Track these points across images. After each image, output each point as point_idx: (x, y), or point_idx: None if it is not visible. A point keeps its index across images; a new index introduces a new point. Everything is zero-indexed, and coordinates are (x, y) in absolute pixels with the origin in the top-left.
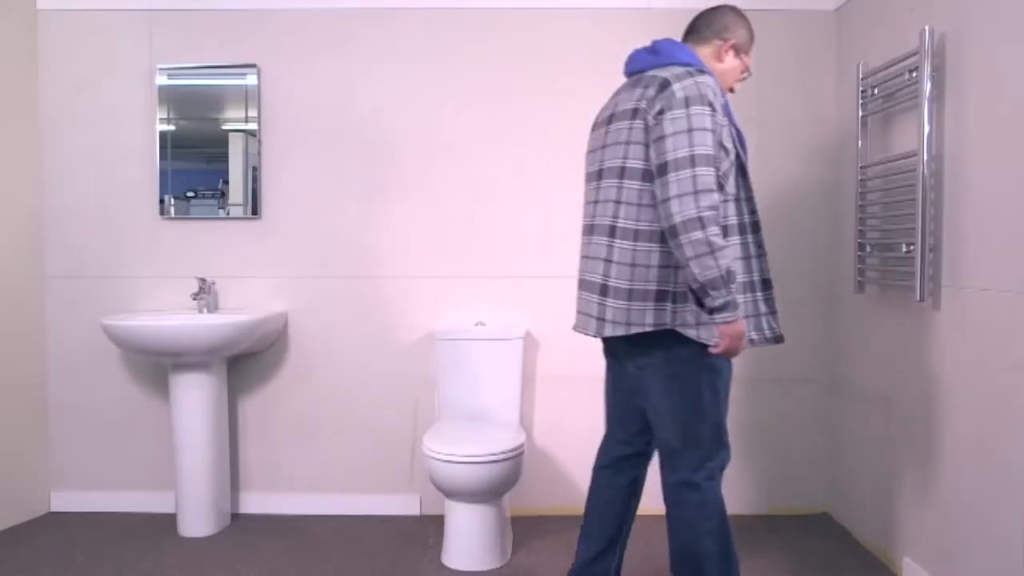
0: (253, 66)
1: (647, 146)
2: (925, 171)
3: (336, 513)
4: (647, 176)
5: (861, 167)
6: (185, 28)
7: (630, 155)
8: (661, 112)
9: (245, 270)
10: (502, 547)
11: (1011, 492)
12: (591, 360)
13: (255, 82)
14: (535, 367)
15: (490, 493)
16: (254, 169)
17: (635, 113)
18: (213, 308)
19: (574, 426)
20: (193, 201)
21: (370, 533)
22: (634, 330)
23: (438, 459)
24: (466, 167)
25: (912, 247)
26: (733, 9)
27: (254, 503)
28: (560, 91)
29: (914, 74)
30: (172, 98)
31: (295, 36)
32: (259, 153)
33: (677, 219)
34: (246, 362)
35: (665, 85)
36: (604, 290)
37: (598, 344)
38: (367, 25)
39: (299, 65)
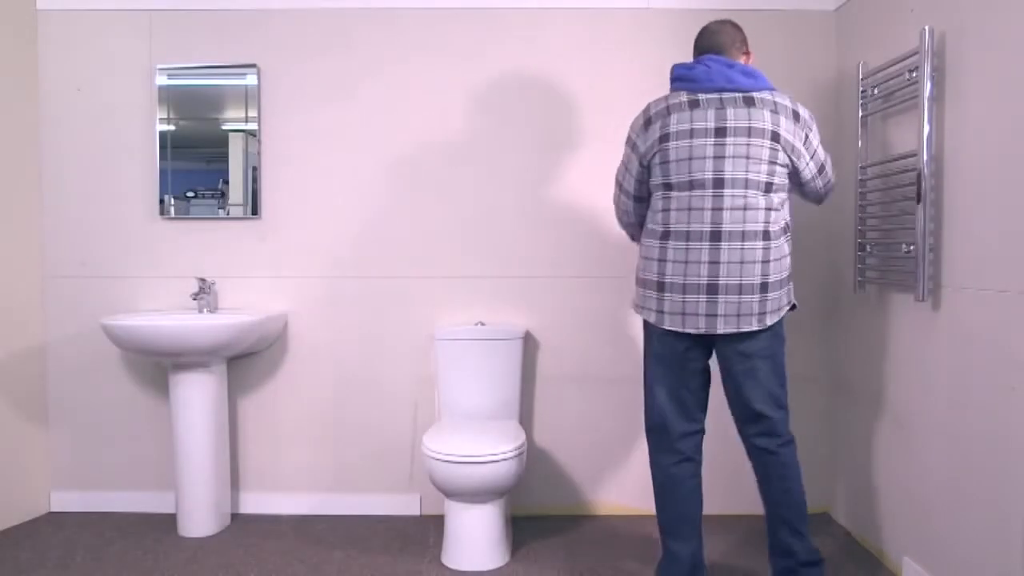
0: (253, 66)
1: (783, 166)
2: (925, 171)
3: (336, 513)
4: (781, 189)
5: (861, 167)
6: (185, 28)
7: (776, 175)
8: (808, 135)
9: (245, 270)
10: (502, 547)
11: (1011, 492)
12: (591, 360)
13: (255, 82)
14: (535, 367)
15: (490, 493)
16: (254, 169)
17: (776, 137)
18: (213, 308)
19: (574, 426)
20: (193, 201)
21: (370, 533)
22: (780, 314)
23: (438, 459)
24: (466, 167)
25: (912, 247)
26: (733, 22)
27: (254, 503)
28: (561, 91)
29: (914, 74)
30: (172, 98)
31: (295, 36)
32: (259, 153)
33: (831, 185)
34: (246, 362)
35: (797, 115)
36: (765, 287)
37: (598, 344)
38: (367, 25)
39: (299, 65)
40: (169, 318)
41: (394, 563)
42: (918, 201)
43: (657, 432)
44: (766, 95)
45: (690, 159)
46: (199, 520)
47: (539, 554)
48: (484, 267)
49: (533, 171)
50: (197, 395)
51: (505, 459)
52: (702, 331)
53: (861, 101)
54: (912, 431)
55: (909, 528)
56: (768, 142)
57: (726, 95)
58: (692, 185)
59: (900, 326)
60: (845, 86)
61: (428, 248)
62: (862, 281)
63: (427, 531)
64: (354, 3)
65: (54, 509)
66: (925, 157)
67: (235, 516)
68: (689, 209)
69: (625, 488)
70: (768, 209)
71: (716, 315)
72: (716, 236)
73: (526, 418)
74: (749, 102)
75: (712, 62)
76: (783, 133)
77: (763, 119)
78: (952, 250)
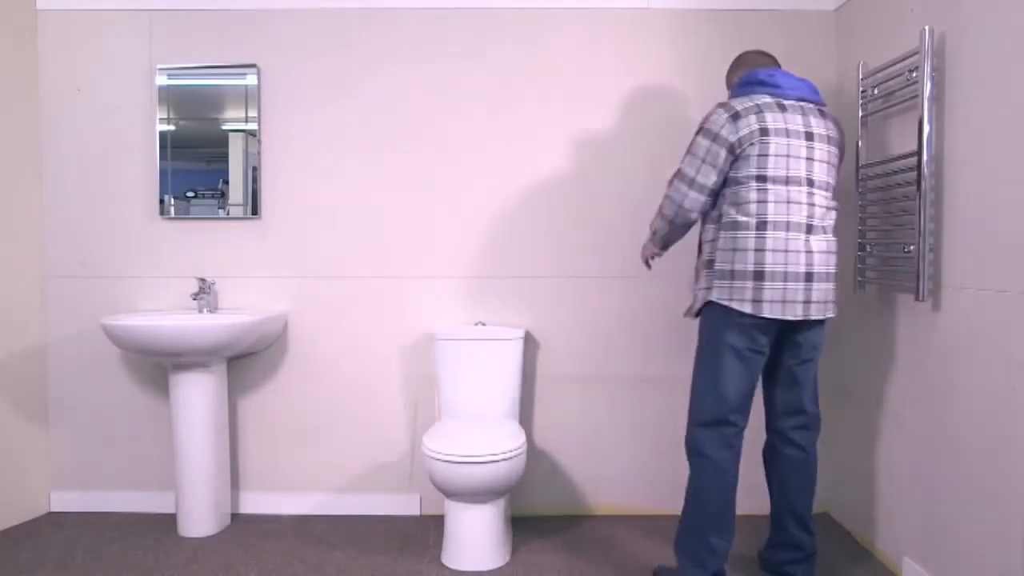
0: (253, 66)
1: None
2: (925, 171)
3: (336, 513)
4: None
5: (861, 167)
6: (185, 28)
7: (836, 177)
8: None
9: (245, 270)
10: (502, 547)
11: (1011, 492)
12: (591, 360)
13: (255, 82)
14: (535, 367)
15: (490, 493)
16: (254, 169)
17: (840, 147)
18: (213, 308)
19: (574, 426)
20: (193, 201)
21: (370, 533)
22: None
23: (438, 459)
24: (466, 167)
25: (912, 247)
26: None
27: (254, 503)
28: (561, 91)
29: (914, 74)
30: (172, 98)
31: (295, 36)
32: (259, 153)
33: None
34: (246, 362)
35: (840, 125)
36: (835, 277)
37: (598, 344)
38: (367, 25)
39: (299, 65)
40: (169, 318)
41: (394, 563)
42: (918, 201)
43: (717, 426)
44: (827, 109)
45: (788, 156)
46: (199, 520)
47: (539, 554)
48: (484, 267)
49: (533, 171)
50: (197, 395)
51: (505, 459)
52: (799, 317)
53: (861, 101)
54: (912, 431)
55: (909, 528)
56: (836, 151)
57: (805, 104)
58: (789, 181)
59: (900, 326)
60: (845, 86)
61: (428, 248)
62: (862, 281)
63: (427, 531)
64: (354, 3)
65: (54, 509)
66: (925, 157)
67: (235, 516)
68: (788, 202)
69: (625, 488)
70: (836, 209)
71: (811, 302)
72: (810, 228)
73: (526, 418)
74: (822, 114)
75: (785, 73)
76: (838, 140)
77: (834, 130)
78: (952, 250)
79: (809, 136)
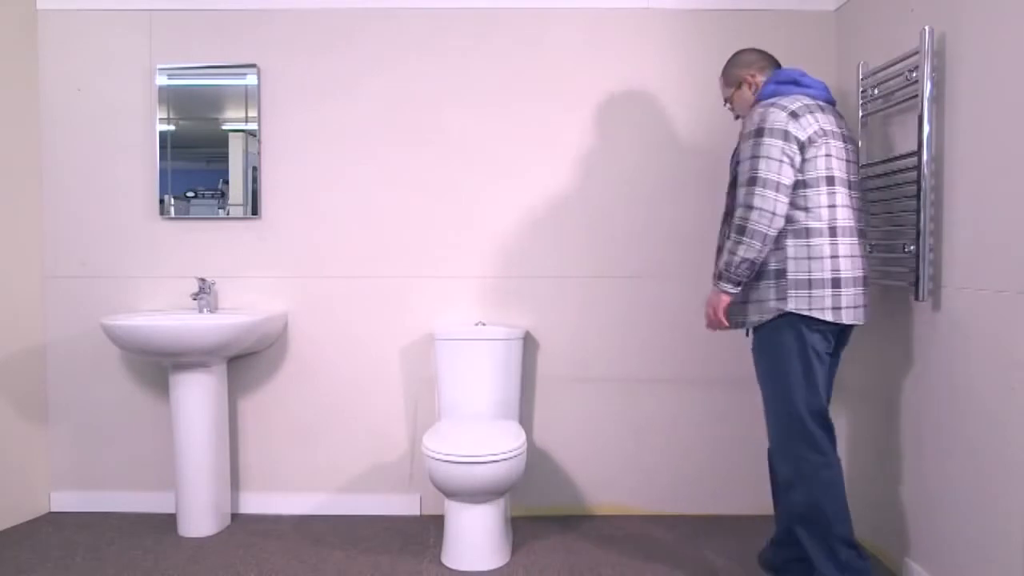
0: (253, 66)
1: None
2: (925, 171)
3: (336, 513)
4: None
5: (861, 167)
6: (185, 28)
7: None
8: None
9: (245, 270)
10: (502, 547)
11: (1011, 492)
12: (591, 360)
13: (255, 82)
14: (535, 367)
15: (490, 493)
16: (254, 169)
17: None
18: (213, 308)
19: (574, 426)
20: (193, 201)
21: (370, 533)
22: None
23: (438, 459)
24: (467, 167)
25: (912, 247)
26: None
27: (254, 503)
28: (561, 90)
29: (914, 74)
30: (172, 98)
31: (295, 36)
32: (259, 153)
33: None
34: (246, 362)
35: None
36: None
37: (598, 344)
38: (367, 24)
39: (299, 65)
40: (169, 318)
41: (394, 563)
42: (918, 201)
43: (825, 430)
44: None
45: (840, 159)
46: (199, 520)
47: (539, 554)
48: (484, 267)
49: (532, 171)
50: (197, 395)
51: (505, 459)
52: (862, 321)
53: (861, 101)
54: (912, 431)
55: (909, 528)
56: (857, 149)
57: (829, 107)
58: (845, 183)
59: (900, 326)
60: (845, 86)
61: (428, 248)
62: None
63: (427, 531)
64: (354, 3)
65: (54, 509)
66: (925, 157)
67: (235, 516)
68: (851, 207)
69: (625, 488)
70: (867, 212)
71: (867, 306)
72: (863, 233)
73: (526, 418)
74: (837, 115)
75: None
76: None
77: (847, 129)
78: (952, 250)
79: (845, 138)
